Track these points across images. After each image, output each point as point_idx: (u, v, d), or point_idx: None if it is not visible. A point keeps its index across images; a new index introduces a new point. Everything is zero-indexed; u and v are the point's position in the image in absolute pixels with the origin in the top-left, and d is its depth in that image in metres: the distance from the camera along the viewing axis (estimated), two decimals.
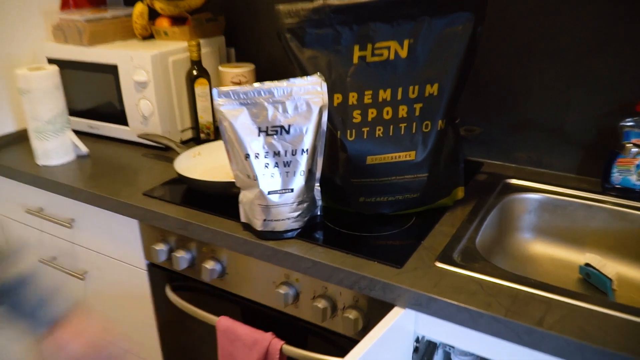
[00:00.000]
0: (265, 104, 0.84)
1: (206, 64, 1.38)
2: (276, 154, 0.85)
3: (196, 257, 1.03)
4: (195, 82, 1.31)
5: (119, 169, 1.23)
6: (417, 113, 0.89)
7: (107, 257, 1.21)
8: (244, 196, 0.90)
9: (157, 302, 1.17)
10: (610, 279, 0.93)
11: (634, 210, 0.98)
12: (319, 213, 0.93)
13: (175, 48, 1.30)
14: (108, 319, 1.31)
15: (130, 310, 1.24)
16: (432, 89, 0.89)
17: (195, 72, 1.30)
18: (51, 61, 1.41)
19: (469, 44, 0.88)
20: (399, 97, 0.89)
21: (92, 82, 1.37)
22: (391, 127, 0.89)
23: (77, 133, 1.47)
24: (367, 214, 0.96)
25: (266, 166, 0.85)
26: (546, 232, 1.06)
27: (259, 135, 0.85)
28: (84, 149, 1.30)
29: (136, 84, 1.27)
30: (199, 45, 1.28)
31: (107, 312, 1.30)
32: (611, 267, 0.94)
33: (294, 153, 0.86)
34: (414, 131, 0.89)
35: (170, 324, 1.17)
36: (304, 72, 0.90)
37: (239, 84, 1.36)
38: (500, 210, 1.04)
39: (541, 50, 1.07)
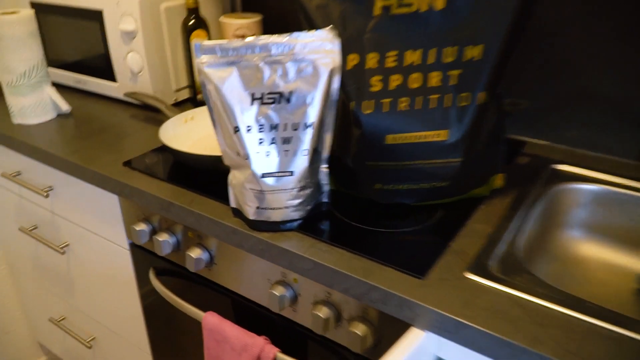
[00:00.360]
0: (261, 64, 0.66)
1: (206, 12, 1.20)
2: (273, 127, 0.68)
3: (181, 241, 0.88)
4: (191, 34, 1.13)
5: (103, 132, 1.07)
6: (453, 82, 0.70)
7: (89, 232, 1.07)
8: (234, 177, 0.74)
9: (141, 285, 1.03)
10: None
11: None
12: (324, 200, 0.77)
13: None
14: (92, 298, 1.19)
15: (114, 290, 1.11)
16: (474, 52, 0.70)
17: (192, 22, 1.12)
18: (34, 5, 1.24)
19: None
20: (431, 60, 0.70)
21: (78, 31, 1.20)
22: (419, 99, 0.71)
23: (64, 88, 1.32)
24: (383, 203, 0.80)
25: (260, 142, 0.69)
26: (599, 230, 0.88)
27: (251, 104, 0.67)
28: (64, 106, 1.14)
29: (123, 33, 1.10)
30: None
31: (90, 290, 1.18)
32: None
33: (295, 127, 0.68)
34: (448, 105, 0.71)
35: (156, 308, 1.04)
36: (312, 25, 0.72)
37: (243, 37, 1.17)
38: (546, 203, 0.86)
39: (609, 5, 0.86)
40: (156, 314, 1.05)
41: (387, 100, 0.71)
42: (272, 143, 0.69)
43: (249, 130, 0.68)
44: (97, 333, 1.26)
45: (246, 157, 0.69)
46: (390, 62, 0.70)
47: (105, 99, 1.25)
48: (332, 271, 0.67)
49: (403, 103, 0.71)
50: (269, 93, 0.67)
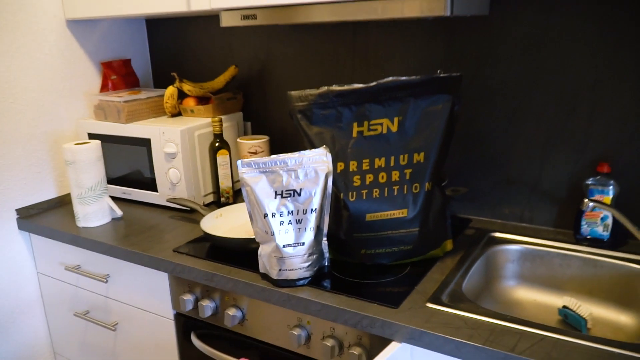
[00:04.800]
0: (281, 172, 1.01)
1: (227, 136, 1.58)
2: (290, 213, 1.02)
3: (219, 305, 1.17)
4: (217, 153, 1.49)
5: (150, 229, 1.39)
6: (407, 177, 1.06)
7: (138, 309, 1.35)
8: (263, 250, 1.06)
9: (182, 349, 1.29)
10: (585, 319, 1.06)
11: (603, 257, 1.12)
12: (326, 264, 1.08)
13: (200, 123, 1.50)
14: None
15: (156, 358, 1.36)
16: (419, 157, 1.06)
17: (217, 144, 1.49)
18: (92, 136, 1.61)
19: (449, 119, 1.06)
20: (392, 164, 1.06)
21: (127, 154, 1.56)
22: (386, 189, 1.05)
23: (112, 198, 1.66)
24: (368, 264, 1.11)
25: (281, 223, 1.02)
26: (528, 279, 1.20)
27: (275, 198, 1.01)
28: (119, 212, 1.47)
29: (166, 155, 1.46)
30: (221, 121, 1.48)
31: None
32: (586, 308, 1.07)
33: (304, 212, 1.02)
34: (405, 192, 1.06)
35: None
36: (312, 145, 1.08)
37: (255, 153, 1.55)
38: (486, 260, 1.19)
39: (521, 114, 1.25)
40: None
41: (365, 191, 1.05)
42: (289, 223, 1.02)
43: (273, 215, 1.01)
44: None
45: (272, 234, 1.01)
46: (365, 166, 1.06)
47: (147, 205, 1.59)
48: (335, 309, 0.97)
49: (376, 192, 1.05)
50: (286, 190, 1.01)
